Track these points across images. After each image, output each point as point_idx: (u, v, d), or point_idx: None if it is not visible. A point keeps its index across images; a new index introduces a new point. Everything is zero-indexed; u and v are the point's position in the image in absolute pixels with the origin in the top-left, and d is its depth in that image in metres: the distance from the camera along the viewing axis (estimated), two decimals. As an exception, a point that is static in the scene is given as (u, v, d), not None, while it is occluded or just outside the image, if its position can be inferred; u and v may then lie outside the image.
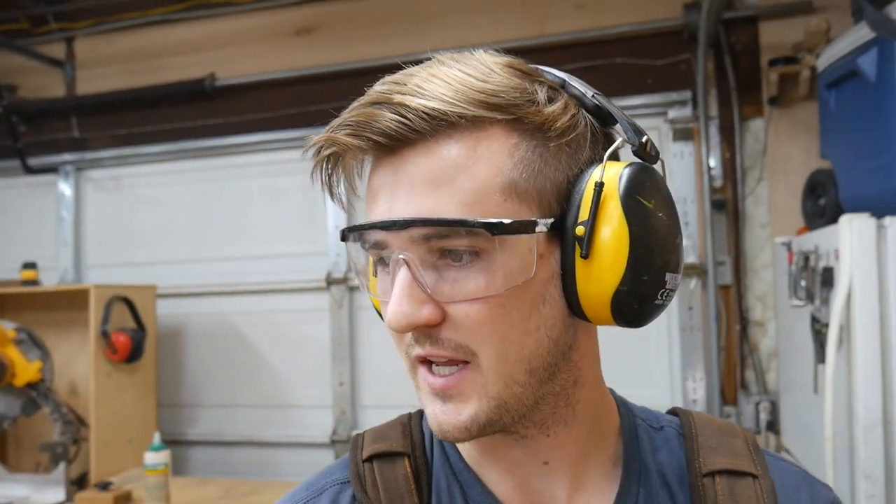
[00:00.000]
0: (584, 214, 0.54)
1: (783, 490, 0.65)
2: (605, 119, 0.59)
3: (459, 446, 0.65)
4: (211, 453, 2.98)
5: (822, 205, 2.14)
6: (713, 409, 2.62)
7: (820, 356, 1.81)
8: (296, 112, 3.06)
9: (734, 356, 2.67)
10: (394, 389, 2.91)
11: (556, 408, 0.60)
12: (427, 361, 0.56)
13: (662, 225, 0.56)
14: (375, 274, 0.60)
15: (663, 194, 0.57)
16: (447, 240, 0.53)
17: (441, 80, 0.53)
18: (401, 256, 0.53)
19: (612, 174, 0.55)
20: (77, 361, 2.82)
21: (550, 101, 0.56)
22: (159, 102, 3.24)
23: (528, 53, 3.14)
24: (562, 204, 0.55)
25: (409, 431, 0.67)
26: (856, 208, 1.72)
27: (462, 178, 0.52)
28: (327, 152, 0.55)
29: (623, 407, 0.68)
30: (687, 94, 2.70)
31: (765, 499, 0.62)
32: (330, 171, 0.57)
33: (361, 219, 0.57)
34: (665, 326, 2.71)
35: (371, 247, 0.57)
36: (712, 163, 2.68)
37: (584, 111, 0.58)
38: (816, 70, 2.20)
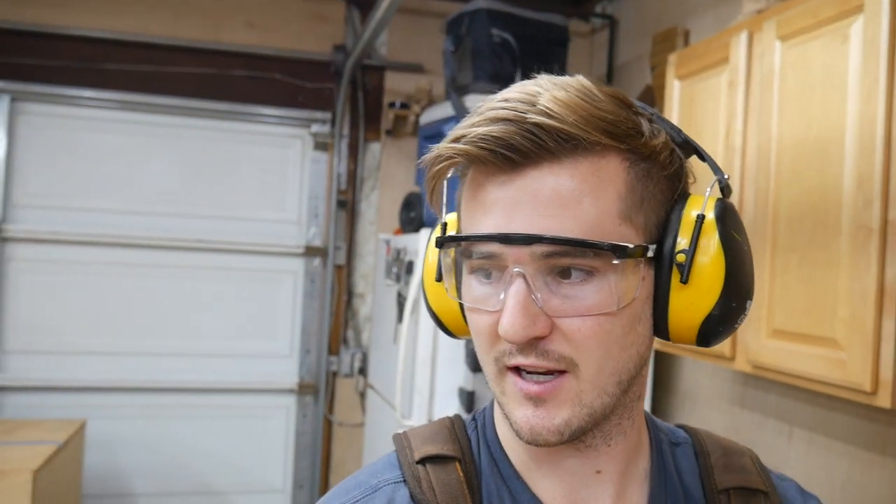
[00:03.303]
0: (683, 243, 0.57)
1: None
2: (687, 154, 0.62)
3: (511, 454, 0.66)
4: None
5: (412, 217, 2.84)
6: (321, 358, 3.40)
7: (399, 318, 2.66)
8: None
9: (341, 318, 3.43)
10: (39, 336, 3.14)
11: (622, 419, 0.62)
12: (517, 368, 0.57)
13: (748, 258, 0.59)
14: (456, 278, 0.62)
15: (744, 229, 0.60)
16: (568, 258, 0.54)
17: (567, 105, 0.54)
18: (517, 270, 0.54)
19: (709, 208, 0.58)
20: None
21: (654, 134, 0.58)
22: None
23: (203, 54, 3.59)
24: (660, 231, 0.58)
25: (455, 436, 0.67)
26: (431, 224, 2.58)
27: (587, 200, 0.54)
28: (450, 162, 0.57)
29: (650, 421, 0.70)
30: (328, 115, 3.37)
31: None
32: (436, 180, 0.60)
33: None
34: (292, 292, 3.42)
35: (476, 257, 0.57)
36: (341, 170, 3.41)
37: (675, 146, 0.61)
38: (419, 121, 3.11)
